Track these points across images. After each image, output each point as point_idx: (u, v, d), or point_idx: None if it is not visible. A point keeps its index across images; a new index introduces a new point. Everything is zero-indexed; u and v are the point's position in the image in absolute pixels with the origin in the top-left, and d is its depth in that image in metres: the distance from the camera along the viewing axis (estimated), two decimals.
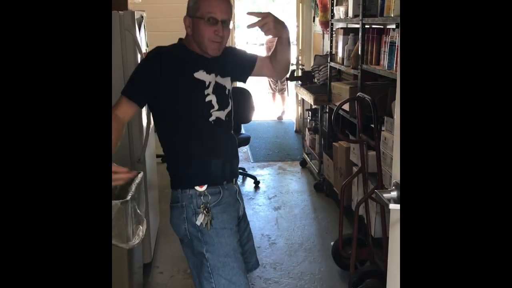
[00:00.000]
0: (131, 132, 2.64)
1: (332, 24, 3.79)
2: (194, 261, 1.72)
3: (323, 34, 5.68)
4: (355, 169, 3.03)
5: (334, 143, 3.48)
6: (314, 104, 3.97)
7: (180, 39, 1.74)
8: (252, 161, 4.98)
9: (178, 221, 1.76)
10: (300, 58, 6.29)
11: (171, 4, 6.48)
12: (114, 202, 2.12)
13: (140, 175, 2.53)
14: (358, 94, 2.66)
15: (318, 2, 5.23)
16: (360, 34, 2.95)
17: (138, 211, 2.43)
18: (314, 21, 6.18)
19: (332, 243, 2.85)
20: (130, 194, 2.25)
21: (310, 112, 4.57)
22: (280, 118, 7.19)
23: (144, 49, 2.89)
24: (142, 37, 2.81)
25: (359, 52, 2.97)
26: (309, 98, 4.07)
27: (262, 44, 14.30)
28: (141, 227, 2.43)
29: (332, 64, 3.73)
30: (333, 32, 3.80)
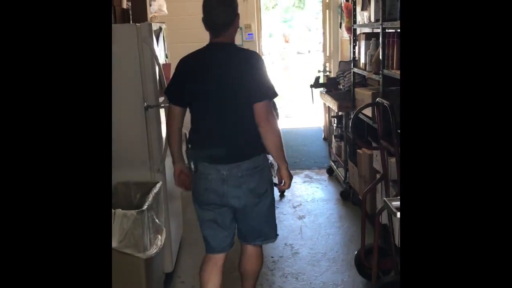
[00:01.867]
0: (150, 141, 2.66)
1: (355, 29, 3.74)
2: (267, 208, 2.17)
3: (350, 39, 5.62)
4: (378, 176, 2.95)
5: (358, 150, 3.41)
6: (338, 111, 3.92)
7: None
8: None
9: (262, 179, 2.11)
10: (327, 65, 6.23)
11: (191, 15, 6.60)
12: (130, 212, 2.14)
13: (158, 185, 2.56)
14: (377, 99, 2.60)
15: (343, 8, 5.19)
16: (380, 38, 2.89)
17: (157, 220, 2.44)
18: (340, 27, 6.13)
19: (356, 252, 2.79)
20: (146, 204, 2.27)
21: (335, 119, 4.50)
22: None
23: (163, 60, 2.93)
24: (161, 49, 2.85)
25: (380, 57, 2.90)
26: (333, 105, 4.02)
27: (299, 53, 14.16)
28: (159, 237, 2.45)
29: (356, 70, 3.67)
30: (356, 38, 3.74)
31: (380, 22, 2.88)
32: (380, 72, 2.91)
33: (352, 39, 3.75)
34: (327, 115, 6.37)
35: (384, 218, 2.64)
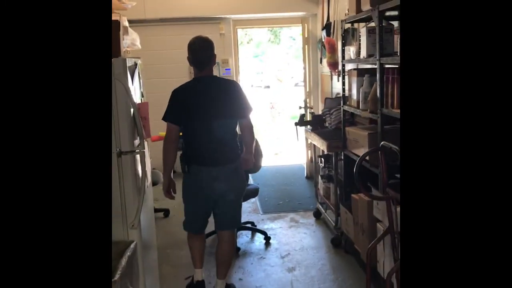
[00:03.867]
0: (123, 193, 2.31)
1: (344, 65, 3.52)
2: (240, 199, 2.89)
3: (331, 75, 5.44)
4: (380, 226, 2.66)
5: (353, 195, 3.13)
6: (327, 151, 3.65)
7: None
8: (261, 213, 4.61)
9: (240, 176, 2.84)
10: (308, 100, 6.03)
11: (167, 50, 6.34)
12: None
13: (133, 245, 2.19)
14: (382, 143, 2.33)
15: (325, 43, 5.02)
16: (378, 75, 2.66)
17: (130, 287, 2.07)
18: (321, 62, 5.97)
19: None
20: (119, 272, 1.90)
21: (322, 158, 4.23)
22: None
23: (139, 99, 2.61)
24: (136, 87, 2.53)
25: (378, 95, 2.67)
26: (321, 145, 3.75)
27: (267, 87, 14.29)
28: None
29: (346, 107, 3.43)
30: (345, 74, 3.52)
31: (377, 58, 2.65)
32: (379, 111, 2.67)
33: (341, 75, 3.52)
34: (309, 151, 6.14)
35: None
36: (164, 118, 2.72)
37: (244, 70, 17.01)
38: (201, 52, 2.66)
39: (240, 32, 7.24)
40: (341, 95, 4.68)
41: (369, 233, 2.82)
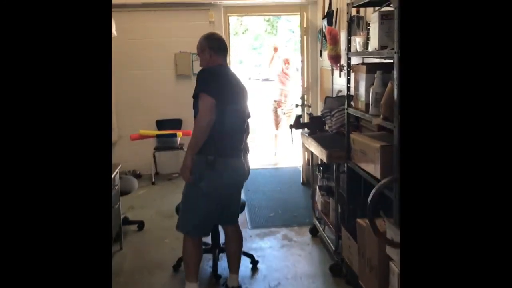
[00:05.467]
0: None
1: (349, 58, 2.91)
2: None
3: (332, 70, 4.83)
4: (394, 267, 2.07)
5: (359, 221, 2.53)
6: (328, 162, 3.05)
7: None
8: (249, 227, 4.02)
9: None
10: (305, 97, 5.42)
11: (149, 39, 5.68)
12: None
13: None
14: None
15: (326, 33, 4.41)
16: (395, 72, 2.06)
17: None
18: (321, 55, 5.36)
19: None
20: None
21: (321, 168, 3.64)
22: (275, 164, 6.35)
23: None
24: None
25: (395, 98, 2.06)
26: (320, 153, 3.16)
27: (266, 80, 13.64)
28: None
29: (352, 111, 2.82)
30: (350, 69, 2.92)
31: (396, 50, 2.05)
32: (396, 118, 2.07)
33: (345, 70, 2.92)
34: (306, 153, 5.54)
35: None
36: (205, 91, 2.49)
37: (243, 63, 16.38)
38: (224, 41, 2.77)
39: (234, 21, 6.63)
40: (344, 93, 4.08)
41: (379, 272, 2.23)
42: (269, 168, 6.18)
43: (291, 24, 14.20)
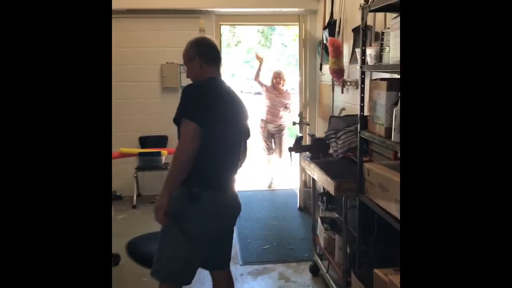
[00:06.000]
0: None
1: (363, 73, 2.46)
2: None
3: (333, 85, 4.40)
4: None
5: (377, 272, 2.04)
6: (335, 195, 2.57)
7: None
8: (241, 263, 3.51)
9: None
10: (303, 114, 4.95)
11: (136, 48, 5.19)
12: None
13: None
14: None
15: (328, 44, 3.97)
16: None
17: None
18: (320, 69, 4.93)
19: None
20: None
21: (324, 197, 3.17)
22: (269, 187, 5.81)
23: None
24: None
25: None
26: (326, 183, 2.68)
27: (258, 93, 13.20)
28: None
29: (367, 134, 2.35)
30: (363, 85, 2.46)
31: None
32: None
33: (360, 87, 2.46)
34: (303, 174, 5.07)
35: None
36: (186, 116, 2.05)
37: (235, 76, 15.93)
38: (217, 48, 2.36)
39: (226, 31, 6.19)
40: (348, 112, 3.65)
41: None
42: (262, 190, 5.69)
43: (283, 38, 13.87)
